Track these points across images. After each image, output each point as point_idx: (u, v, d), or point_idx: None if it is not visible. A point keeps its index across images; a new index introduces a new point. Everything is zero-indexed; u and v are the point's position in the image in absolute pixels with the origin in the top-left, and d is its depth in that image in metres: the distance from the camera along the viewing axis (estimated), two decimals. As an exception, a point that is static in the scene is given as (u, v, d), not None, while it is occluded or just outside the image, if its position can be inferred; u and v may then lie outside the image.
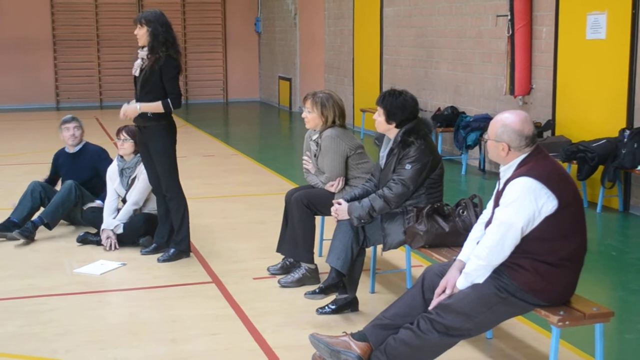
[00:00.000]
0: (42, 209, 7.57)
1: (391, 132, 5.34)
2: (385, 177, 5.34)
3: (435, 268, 4.33)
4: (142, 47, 6.46)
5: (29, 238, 7.28)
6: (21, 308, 5.66)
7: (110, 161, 7.54)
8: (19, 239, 7.25)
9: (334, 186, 6.00)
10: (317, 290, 5.32)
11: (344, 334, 4.33)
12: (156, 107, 6.41)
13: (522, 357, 4.78)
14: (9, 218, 7.45)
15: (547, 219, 3.89)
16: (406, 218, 5.20)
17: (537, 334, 5.05)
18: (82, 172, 7.71)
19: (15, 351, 4.91)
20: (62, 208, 7.45)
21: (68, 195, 7.47)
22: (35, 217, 7.44)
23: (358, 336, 4.26)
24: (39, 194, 7.58)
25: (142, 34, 6.41)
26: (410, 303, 4.23)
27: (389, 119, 5.30)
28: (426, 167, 5.23)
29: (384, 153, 5.45)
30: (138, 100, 6.50)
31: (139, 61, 6.51)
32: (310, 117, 6.12)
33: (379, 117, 5.35)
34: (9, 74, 20.42)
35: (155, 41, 6.37)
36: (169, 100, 6.40)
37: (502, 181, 4.09)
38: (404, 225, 5.21)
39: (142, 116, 6.49)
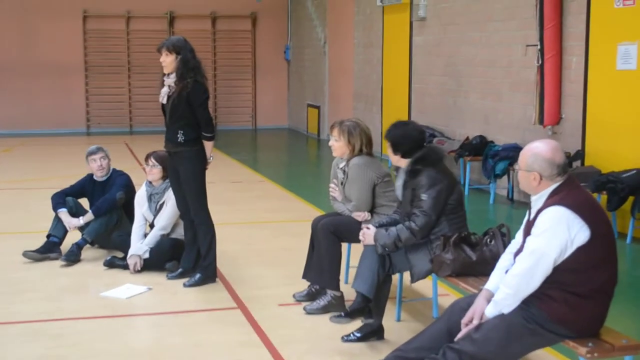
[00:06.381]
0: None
1: (401, 163, 5.40)
2: (405, 209, 5.38)
3: (461, 302, 4.28)
4: (168, 74, 6.47)
5: (75, 262, 7.36)
6: (48, 331, 5.69)
7: (134, 189, 7.62)
8: (64, 263, 7.30)
9: (360, 217, 6.00)
10: (342, 314, 5.30)
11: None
12: (210, 146, 6.54)
13: (549, 389, 4.72)
14: (49, 238, 7.52)
15: (579, 250, 3.85)
16: (433, 246, 5.18)
17: (566, 366, 4.99)
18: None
19: (41, 374, 4.93)
20: (105, 226, 7.53)
21: (111, 215, 7.55)
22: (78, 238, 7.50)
23: (380, 366, 4.22)
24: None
25: (169, 61, 6.39)
26: (435, 336, 4.20)
27: (395, 150, 5.38)
28: (442, 193, 5.21)
29: (399, 184, 5.50)
30: (168, 126, 6.53)
31: (165, 89, 6.48)
32: (337, 145, 6.13)
33: (388, 149, 5.41)
34: (42, 99, 20.72)
35: (185, 68, 6.36)
36: (207, 133, 6.47)
37: (533, 211, 4.05)
38: (429, 254, 5.19)
39: (173, 141, 6.51)
